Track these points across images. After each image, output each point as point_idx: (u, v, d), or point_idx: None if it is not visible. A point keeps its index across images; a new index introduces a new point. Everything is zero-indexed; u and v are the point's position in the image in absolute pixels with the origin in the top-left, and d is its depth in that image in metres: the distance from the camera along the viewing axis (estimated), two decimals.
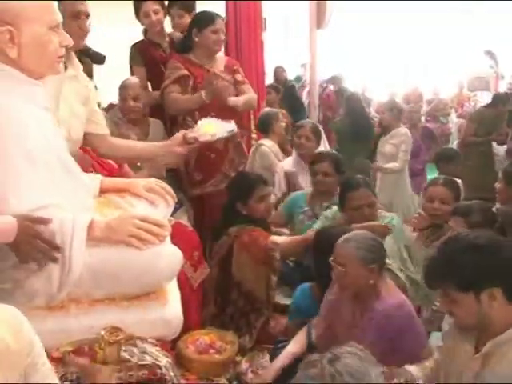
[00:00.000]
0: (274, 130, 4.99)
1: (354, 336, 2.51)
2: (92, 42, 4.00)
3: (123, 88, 3.94)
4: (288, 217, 3.95)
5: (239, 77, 4.07)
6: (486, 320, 1.82)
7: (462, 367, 1.88)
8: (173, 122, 4.10)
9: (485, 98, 11.92)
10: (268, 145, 4.84)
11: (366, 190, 3.35)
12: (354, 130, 6.04)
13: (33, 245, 1.81)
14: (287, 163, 4.57)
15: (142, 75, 4.21)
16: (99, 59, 4.07)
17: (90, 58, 3.92)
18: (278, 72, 8.66)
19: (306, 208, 3.85)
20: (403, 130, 5.81)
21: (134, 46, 4.29)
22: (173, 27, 4.35)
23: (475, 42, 11.75)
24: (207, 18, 3.93)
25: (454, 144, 8.23)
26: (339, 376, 1.49)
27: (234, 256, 3.29)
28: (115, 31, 4.84)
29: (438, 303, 1.98)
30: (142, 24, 4.21)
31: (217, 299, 3.39)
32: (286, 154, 4.99)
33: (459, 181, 3.76)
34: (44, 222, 1.84)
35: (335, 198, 3.63)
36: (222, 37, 3.93)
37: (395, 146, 5.63)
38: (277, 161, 4.75)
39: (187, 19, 4.19)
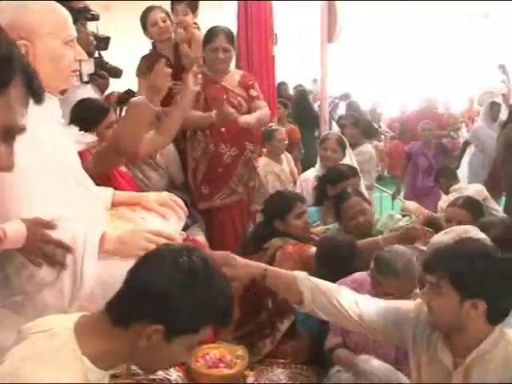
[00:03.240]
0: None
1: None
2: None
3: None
4: None
5: (253, 92, 4.05)
6: (460, 326, 1.86)
7: (443, 379, 1.90)
8: (183, 135, 4.12)
9: None
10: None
11: (357, 198, 3.54)
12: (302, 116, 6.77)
13: (41, 248, 1.82)
14: (311, 175, 4.52)
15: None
16: (116, 73, 4.10)
17: (107, 72, 3.95)
18: (282, 88, 8.61)
19: (318, 222, 3.87)
20: (367, 147, 5.81)
21: (143, 57, 4.32)
22: (176, 23, 4.33)
23: (487, 56, 11.72)
24: (207, 36, 3.98)
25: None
26: (377, 370, 1.50)
27: (276, 265, 3.31)
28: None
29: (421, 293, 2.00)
30: (151, 36, 4.24)
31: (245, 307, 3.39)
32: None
33: None
34: (52, 226, 1.84)
35: None
36: (221, 55, 3.91)
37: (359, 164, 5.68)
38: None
39: (191, 18, 4.22)
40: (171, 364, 1.48)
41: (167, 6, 4.29)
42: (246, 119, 3.93)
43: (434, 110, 8.81)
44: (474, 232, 2.44)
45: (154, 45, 4.32)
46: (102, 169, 2.66)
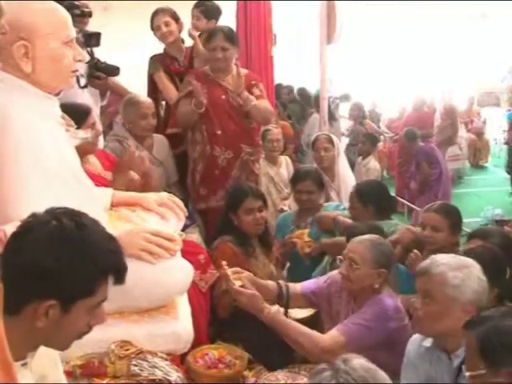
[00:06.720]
0: None
1: None
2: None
3: (142, 105, 3.89)
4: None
5: (257, 91, 4.00)
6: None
7: None
8: (183, 137, 4.15)
9: (491, 113, 11.89)
10: None
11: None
12: None
13: None
14: None
15: (165, 80, 4.23)
16: (112, 71, 4.04)
17: (103, 72, 3.90)
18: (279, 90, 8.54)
19: (292, 227, 3.84)
20: None
21: (152, 57, 4.34)
22: (192, 26, 4.38)
23: (486, 57, 11.75)
24: (207, 36, 3.97)
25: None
26: (354, 371, 1.47)
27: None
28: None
29: None
30: (157, 38, 4.25)
31: None
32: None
33: None
34: None
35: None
36: (218, 55, 3.87)
37: None
38: None
39: (204, 23, 4.25)
40: (79, 334, 1.42)
41: (171, 4, 4.31)
42: (248, 96, 3.90)
43: (422, 109, 8.80)
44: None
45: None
46: None
